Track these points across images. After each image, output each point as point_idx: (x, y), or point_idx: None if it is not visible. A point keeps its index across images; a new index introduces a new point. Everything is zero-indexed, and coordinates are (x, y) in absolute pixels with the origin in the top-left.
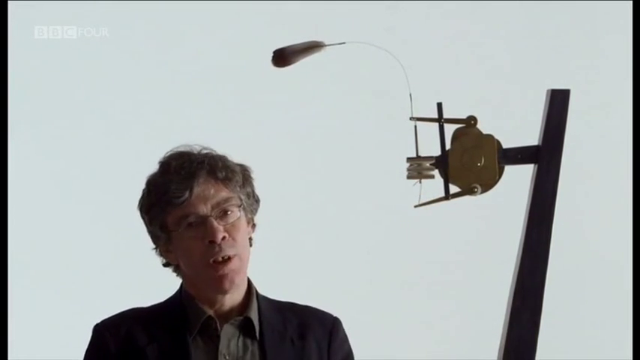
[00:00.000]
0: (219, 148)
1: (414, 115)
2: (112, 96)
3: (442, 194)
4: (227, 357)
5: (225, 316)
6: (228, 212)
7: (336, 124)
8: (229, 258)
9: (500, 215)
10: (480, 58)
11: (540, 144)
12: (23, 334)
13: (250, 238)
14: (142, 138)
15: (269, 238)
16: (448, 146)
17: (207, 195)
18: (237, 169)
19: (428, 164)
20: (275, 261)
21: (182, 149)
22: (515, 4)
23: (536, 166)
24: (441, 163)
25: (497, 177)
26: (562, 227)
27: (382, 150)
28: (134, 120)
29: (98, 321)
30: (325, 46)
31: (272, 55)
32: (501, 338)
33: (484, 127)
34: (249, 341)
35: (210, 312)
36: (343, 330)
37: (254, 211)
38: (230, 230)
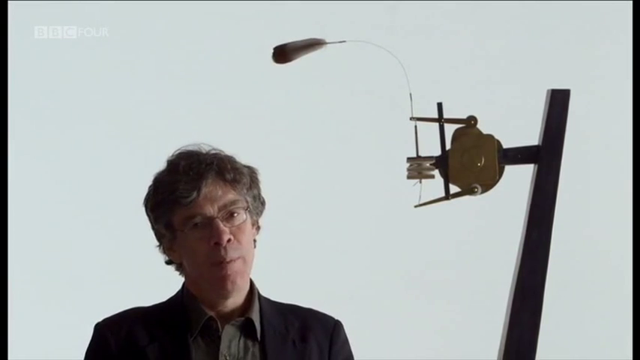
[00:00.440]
0: (219, 147)
1: (414, 115)
2: (112, 96)
3: (442, 194)
4: (228, 357)
5: (227, 317)
6: (235, 214)
7: (335, 123)
8: (232, 260)
9: (501, 215)
10: (480, 58)
11: (540, 144)
12: (23, 334)
13: (254, 240)
14: (142, 138)
15: (269, 238)
16: (448, 146)
17: (214, 196)
18: (245, 171)
19: (428, 164)
20: (275, 261)
21: (191, 148)
22: (515, 4)
23: (537, 166)
24: (441, 163)
25: (498, 177)
26: (562, 227)
27: (382, 150)
28: (134, 120)
29: (99, 320)
30: (326, 43)
31: (272, 51)
32: (501, 339)
33: (484, 127)
34: (250, 342)
35: (212, 313)
36: (344, 333)
37: (259, 214)
38: (235, 232)
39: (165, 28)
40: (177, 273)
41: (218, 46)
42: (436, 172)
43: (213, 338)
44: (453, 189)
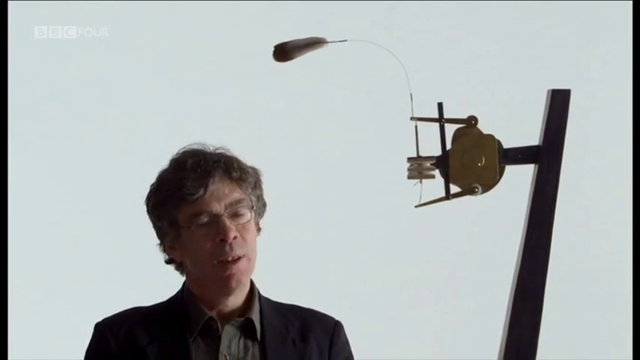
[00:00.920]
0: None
1: (415, 115)
2: (112, 96)
3: (443, 194)
4: (227, 357)
5: (227, 317)
6: (240, 213)
7: (336, 123)
8: (238, 258)
9: (501, 215)
10: (480, 58)
11: (541, 144)
12: (23, 334)
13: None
14: (142, 137)
15: (269, 238)
16: (449, 146)
17: (221, 194)
18: (250, 171)
19: (428, 164)
20: (275, 261)
21: (196, 147)
22: (515, 4)
23: (537, 166)
24: (442, 163)
25: (498, 177)
26: (562, 227)
27: (382, 150)
28: (134, 120)
29: (99, 320)
30: (327, 42)
31: (273, 49)
32: (502, 340)
33: (484, 127)
34: (249, 342)
35: (212, 313)
36: (344, 333)
37: (261, 215)
38: (241, 231)
39: (166, 28)
40: (178, 273)
41: (218, 46)
42: (436, 172)
43: (213, 338)
44: (454, 189)
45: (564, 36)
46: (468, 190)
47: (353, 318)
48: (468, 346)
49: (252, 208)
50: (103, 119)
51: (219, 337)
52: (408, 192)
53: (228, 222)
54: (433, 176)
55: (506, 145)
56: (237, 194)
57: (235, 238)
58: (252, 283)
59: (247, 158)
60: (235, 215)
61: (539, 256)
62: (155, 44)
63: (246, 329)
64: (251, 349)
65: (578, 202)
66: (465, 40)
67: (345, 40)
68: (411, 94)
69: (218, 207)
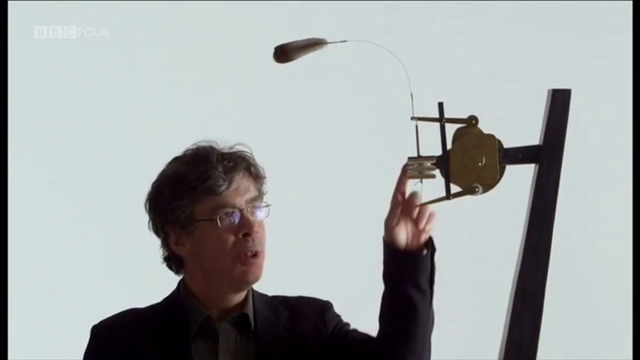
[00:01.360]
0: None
1: (415, 115)
2: (112, 96)
3: (443, 194)
4: (227, 354)
5: (225, 314)
6: (259, 209)
7: (336, 123)
8: (257, 253)
9: (501, 215)
10: (480, 58)
11: (541, 144)
12: (23, 334)
13: None
14: (142, 138)
15: (269, 238)
16: (449, 146)
17: (243, 189)
18: (262, 169)
19: (429, 164)
20: (274, 260)
21: (209, 143)
22: (515, 4)
23: (537, 165)
24: (442, 162)
25: (498, 177)
26: (563, 227)
27: (383, 149)
28: (134, 120)
29: (96, 322)
30: (327, 43)
31: (273, 51)
32: (502, 339)
33: (485, 126)
34: (245, 336)
35: (209, 311)
36: (334, 310)
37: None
38: (259, 227)
39: (166, 28)
40: (172, 272)
41: (218, 46)
42: (437, 172)
43: (210, 336)
44: (454, 189)
45: (564, 36)
46: (468, 190)
47: (353, 318)
48: (468, 346)
49: (268, 206)
50: (102, 119)
51: (217, 335)
52: (408, 192)
53: (250, 217)
54: (434, 176)
55: (506, 145)
56: (255, 191)
57: (257, 233)
58: None
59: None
60: (255, 211)
61: (539, 256)
62: (155, 44)
63: (242, 324)
64: (247, 343)
65: (579, 202)
66: (465, 39)
67: (345, 41)
68: (411, 94)
69: (241, 201)
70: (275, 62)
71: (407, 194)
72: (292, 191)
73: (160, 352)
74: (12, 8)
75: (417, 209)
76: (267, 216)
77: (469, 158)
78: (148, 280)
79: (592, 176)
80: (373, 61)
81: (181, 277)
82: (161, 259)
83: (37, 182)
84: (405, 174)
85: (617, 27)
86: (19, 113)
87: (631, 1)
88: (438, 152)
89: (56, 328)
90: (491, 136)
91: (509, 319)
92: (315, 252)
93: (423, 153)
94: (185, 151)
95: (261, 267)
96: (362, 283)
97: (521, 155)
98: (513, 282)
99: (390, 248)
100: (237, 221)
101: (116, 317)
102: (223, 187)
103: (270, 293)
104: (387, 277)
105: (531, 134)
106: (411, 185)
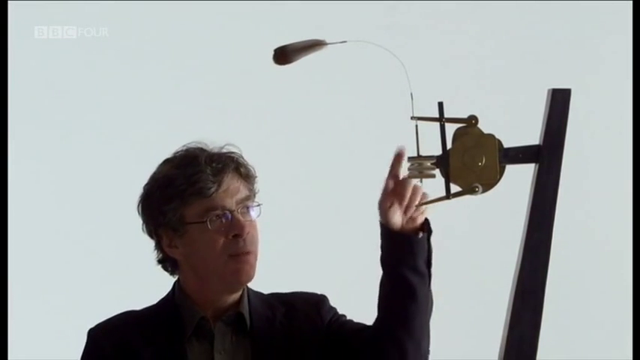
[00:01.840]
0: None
1: (415, 115)
2: (111, 96)
3: (443, 194)
4: (222, 353)
5: (220, 314)
6: (250, 210)
7: (336, 123)
8: (248, 252)
9: (501, 215)
10: (480, 58)
11: (541, 144)
12: (23, 334)
13: None
14: (142, 138)
15: (269, 238)
16: (449, 146)
17: (233, 190)
18: (252, 168)
19: (429, 164)
20: (274, 260)
21: (199, 145)
22: (515, 4)
23: (537, 165)
24: (442, 162)
25: (498, 176)
26: (562, 227)
27: (383, 149)
28: (134, 120)
29: (93, 325)
30: (326, 44)
31: (273, 53)
32: (502, 339)
33: (485, 126)
34: (241, 335)
35: (205, 311)
36: (330, 303)
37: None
38: (250, 227)
39: (166, 29)
40: (168, 273)
41: (218, 47)
42: (437, 172)
43: (206, 337)
44: (454, 188)
45: (564, 36)
46: (468, 190)
47: (347, 312)
48: (468, 346)
49: (259, 205)
50: (102, 119)
51: (213, 335)
52: (401, 176)
53: (242, 217)
54: (434, 176)
55: (506, 145)
56: (246, 191)
57: (248, 233)
58: None
59: (247, 159)
60: (246, 211)
61: (539, 255)
62: (155, 44)
63: (237, 323)
64: (242, 342)
65: (579, 202)
66: (465, 39)
67: (345, 42)
68: (411, 94)
69: (231, 202)
70: (275, 64)
71: (400, 177)
72: (291, 191)
73: (156, 354)
74: (12, 8)
75: (407, 189)
76: (258, 215)
77: (469, 158)
78: (148, 280)
79: (592, 176)
80: (373, 61)
81: (177, 278)
82: (155, 261)
83: (37, 182)
84: (399, 157)
85: (617, 27)
86: (19, 113)
87: (631, 1)
88: (438, 152)
89: (56, 328)
90: (491, 136)
91: (509, 318)
92: (314, 252)
93: (423, 153)
94: (175, 153)
95: (253, 266)
96: (356, 277)
97: (521, 155)
98: (513, 281)
99: (387, 231)
100: (227, 223)
101: (112, 320)
102: (212, 189)
103: (266, 291)
104: (384, 261)
105: (531, 134)
106: (406, 171)
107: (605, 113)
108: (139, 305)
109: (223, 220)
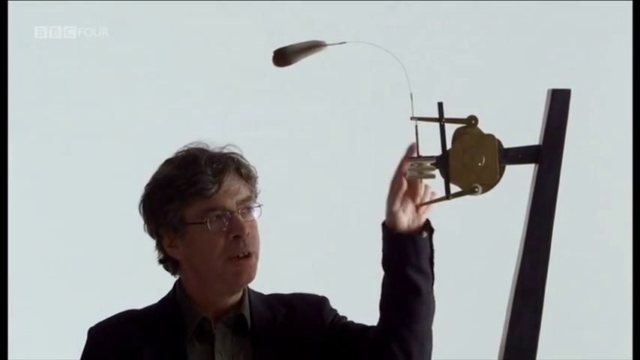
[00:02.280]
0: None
1: (415, 115)
2: (111, 96)
3: (443, 194)
4: (222, 354)
5: (221, 315)
6: (251, 210)
7: (336, 123)
8: (249, 254)
9: (501, 215)
10: (480, 58)
11: (541, 144)
12: (23, 334)
13: None
14: (142, 138)
15: (270, 238)
16: (449, 146)
17: (233, 191)
18: (253, 169)
19: (429, 164)
20: (274, 260)
21: (200, 145)
22: (515, 4)
23: (537, 165)
24: (442, 162)
25: (498, 177)
26: (562, 226)
27: (383, 149)
28: (134, 120)
29: (93, 324)
30: (326, 45)
31: (273, 54)
32: (502, 338)
33: (485, 126)
34: (242, 337)
35: (205, 312)
36: (330, 305)
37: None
38: (250, 227)
39: (165, 28)
40: (169, 273)
41: (218, 47)
42: (437, 172)
43: (207, 337)
44: (454, 189)
45: (564, 36)
46: (468, 190)
47: (352, 318)
48: (468, 346)
49: (259, 206)
50: (102, 119)
51: (213, 336)
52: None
53: (242, 218)
54: (433, 176)
55: (506, 145)
56: (247, 191)
57: (248, 234)
58: None
59: (248, 159)
60: (247, 212)
61: (539, 255)
62: (155, 44)
63: (238, 325)
64: (243, 343)
65: (578, 202)
66: (465, 40)
67: (345, 43)
68: (411, 94)
69: (231, 203)
70: (274, 66)
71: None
72: (291, 192)
73: (157, 354)
74: (12, 8)
75: (421, 188)
76: (259, 216)
77: (469, 158)
78: (148, 280)
79: (592, 176)
80: (373, 61)
81: (178, 277)
82: (157, 261)
83: (36, 182)
84: (411, 153)
85: (617, 27)
86: (19, 113)
87: (631, 1)
88: (438, 152)
89: (56, 328)
90: (491, 136)
91: (509, 317)
92: (314, 252)
93: (422, 153)
94: (176, 154)
95: (254, 268)
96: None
97: (521, 155)
98: (513, 280)
99: (391, 232)
100: (227, 223)
101: (112, 319)
102: (212, 190)
103: (267, 292)
104: (387, 262)
105: (531, 134)
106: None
107: (605, 113)
108: (139, 305)
109: (224, 221)
